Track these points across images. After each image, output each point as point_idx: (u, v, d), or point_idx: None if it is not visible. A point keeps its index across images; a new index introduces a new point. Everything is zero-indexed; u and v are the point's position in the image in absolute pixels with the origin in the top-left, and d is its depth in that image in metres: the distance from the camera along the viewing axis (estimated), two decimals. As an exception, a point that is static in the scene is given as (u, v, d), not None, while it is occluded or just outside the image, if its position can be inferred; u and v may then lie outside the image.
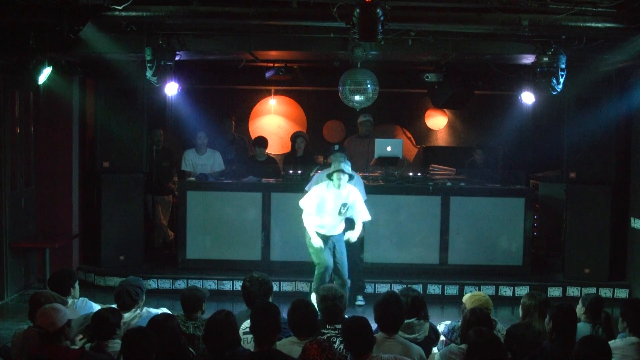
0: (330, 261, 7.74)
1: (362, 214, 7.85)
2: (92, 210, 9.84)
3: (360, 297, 8.55)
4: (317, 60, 10.13)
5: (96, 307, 5.67)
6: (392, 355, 4.34)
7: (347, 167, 7.61)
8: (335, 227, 7.85)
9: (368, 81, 8.33)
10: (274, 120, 12.25)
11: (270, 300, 5.54)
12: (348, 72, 8.44)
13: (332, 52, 8.65)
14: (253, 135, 11.36)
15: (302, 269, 8.54)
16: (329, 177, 7.64)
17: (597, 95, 9.10)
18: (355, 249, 8.36)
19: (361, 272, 8.60)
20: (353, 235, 7.85)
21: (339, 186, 7.58)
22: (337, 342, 4.84)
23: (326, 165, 8.99)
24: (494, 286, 8.94)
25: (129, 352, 4.15)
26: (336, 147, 8.65)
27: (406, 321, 5.20)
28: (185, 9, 7.07)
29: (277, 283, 8.56)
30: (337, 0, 6.51)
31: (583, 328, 5.32)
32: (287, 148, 11.21)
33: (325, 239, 7.78)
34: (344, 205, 7.72)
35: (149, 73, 7.83)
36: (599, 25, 6.93)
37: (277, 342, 4.59)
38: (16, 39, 7.29)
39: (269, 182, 9.42)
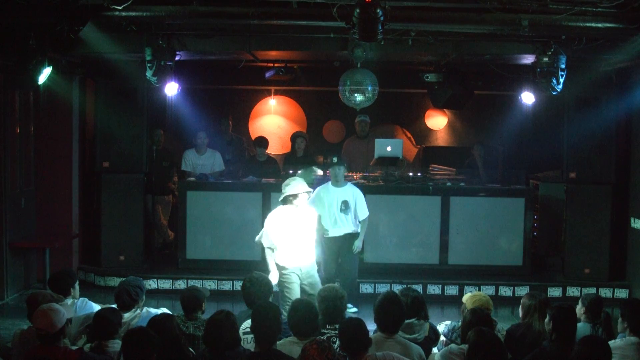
0: None
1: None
2: (92, 210, 9.84)
3: (349, 305, 7.72)
4: (317, 60, 10.14)
5: (96, 307, 5.67)
6: (386, 352, 4.33)
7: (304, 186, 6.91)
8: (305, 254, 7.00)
9: (368, 81, 8.34)
10: (274, 120, 12.25)
11: (270, 301, 5.54)
12: (348, 72, 8.44)
13: (332, 52, 8.66)
14: (253, 136, 11.36)
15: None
16: (285, 201, 6.87)
17: (597, 95, 9.10)
18: (352, 256, 8.11)
19: (355, 281, 8.26)
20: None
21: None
22: (337, 342, 4.84)
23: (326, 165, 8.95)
24: (494, 286, 8.93)
25: (129, 353, 4.14)
26: (335, 158, 8.02)
27: (406, 321, 5.20)
28: (185, 9, 7.08)
29: (277, 283, 8.55)
30: (337, 0, 6.51)
31: (583, 328, 5.32)
32: (287, 148, 11.21)
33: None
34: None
35: (149, 73, 7.84)
36: (599, 25, 6.94)
37: (277, 342, 4.59)
38: (16, 39, 7.28)
39: (269, 182, 9.42)
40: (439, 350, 5.31)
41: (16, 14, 6.79)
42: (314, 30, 7.79)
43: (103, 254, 9.31)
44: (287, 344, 4.68)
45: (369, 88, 8.35)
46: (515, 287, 8.94)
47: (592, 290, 8.68)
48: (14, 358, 4.94)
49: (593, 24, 6.96)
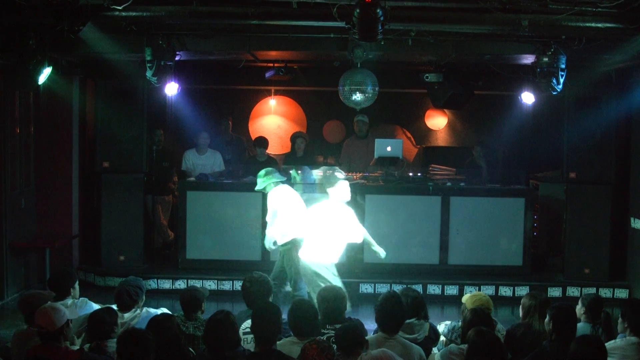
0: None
1: None
2: (92, 210, 9.84)
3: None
4: (317, 60, 10.14)
5: (96, 307, 5.66)
6: (382, 350, 4.33)
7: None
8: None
9: (368, 81, 8.34)
10: (274, 121, 12.25)
11: (270, 301, 5.54)
12: (348, 72, 8.44)
13: (332, 52, 8.66)
14: (253, 136, 11.36)
15: (302, 269, 8.54)
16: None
17: (597, 95, 9.09)
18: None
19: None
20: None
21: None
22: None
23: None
24: (494, 286, 8.93)
25: (124, 354, 4.13)
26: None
27: (406, 321, 5.20)
28: (185, 9, 7.08)
29: (277, 283, 8.55)
30: (337, 0, 6.51)
31: (583, 328, 5.32)
32: (287, 148, 11.22)
33: None
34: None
35: (149, 73, 7.84)
36: (599, 25, 6.94)
37: (277, 342, 4.59)
38: (16, 39, 7.28)
39: (269, 182, 9.41)
40: (439, 350, 5.31)
41: (16, 14, 6.79)
42: (314, 30, 7.79)
43: (103, 254, 9.30)
44: (287, 344, 4.68)
45: (369, 88, 8.34)
46: (515, 287, 8.94)
47: (592, 290, 8.67)
48: (14, 358, 4.94)
49: (593, 24, 6.95)
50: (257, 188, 7.61)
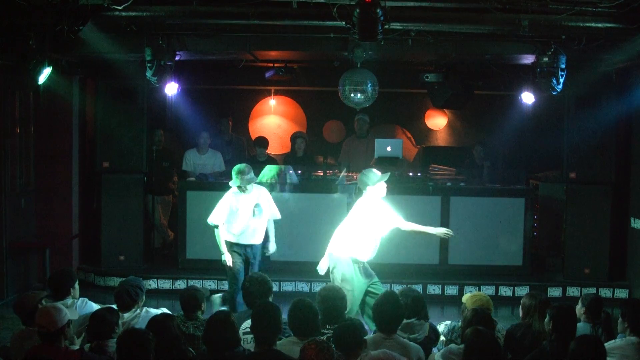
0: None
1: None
2: (92, 210, 9.84)
3: None
4: (317, 60, 10.13)
5: (96, 307, 5.67)
6: (383, 350, 4.33)
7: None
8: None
9: (368, 81, 8.34)
10: (273, 121, 12.25)
11: (270, 301, 5.54)
12: (348, 73, 8.44)
13: (332, 52, 8.65)
14: (253, 136, 11.36)
15: (303, 269, 8.54)
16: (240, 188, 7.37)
17: (597, 95, 9.09)
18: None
19: None
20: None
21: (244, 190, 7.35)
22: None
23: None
24: (494, 286, 8.93)
25: (124, 354, 4.12)
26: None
27: (406, 321, 5.21)
28: (185, 9, 7.09)
29: (277, 283, 8.55)
30: (337, 0, 6.52)
31: (583, 328, 5.32)
32: (287, 148, 11.22)
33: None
34: (257, 205, 7.43)
35: (149, 73, 7.84)
36: (599, 25, 6.95)
37: (277, 342, 4.59)
38: (16, 39, 7.28)
39: (269, 182, 9.41)
40: (439, 350, 5.31)
41: (16, 14, 6.79)
42: (314, 30, 7.79)
43: (103, 254, 9.31)
44: (287, 344, 4.68)
45: (369, 88, 8.35)
46: (515, 287, 8.94)
47: (592, 290, 8.68)
48: (13, 358, 4.94)
49: (593, 24, 6.97)
50: (232, 183, 7.35)
